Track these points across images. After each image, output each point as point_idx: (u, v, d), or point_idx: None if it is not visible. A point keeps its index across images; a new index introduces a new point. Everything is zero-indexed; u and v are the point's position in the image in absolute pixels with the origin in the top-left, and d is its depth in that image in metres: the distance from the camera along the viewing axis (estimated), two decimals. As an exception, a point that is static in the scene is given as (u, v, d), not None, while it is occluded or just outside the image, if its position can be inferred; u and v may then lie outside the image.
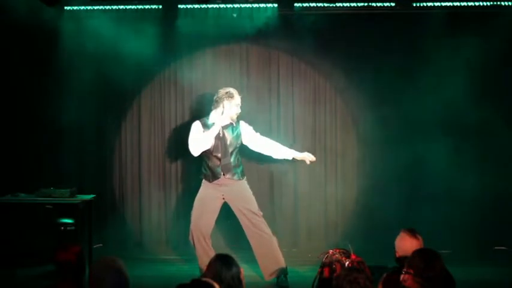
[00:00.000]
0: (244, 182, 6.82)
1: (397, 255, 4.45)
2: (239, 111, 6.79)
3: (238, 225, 8.09)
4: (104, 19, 7.85)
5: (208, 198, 6.74)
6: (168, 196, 8.10)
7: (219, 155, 6.69)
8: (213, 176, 6.72)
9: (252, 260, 7.10)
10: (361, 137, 8.02)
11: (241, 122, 6.92)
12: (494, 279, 6.62)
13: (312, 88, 8.08)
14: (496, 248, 7.88)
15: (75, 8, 7.93)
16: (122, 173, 8.17)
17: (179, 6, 7.89)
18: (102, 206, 8.00)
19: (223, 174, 6.69)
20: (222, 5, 7.86)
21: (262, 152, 7.02)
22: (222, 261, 3.96)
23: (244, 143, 6.90)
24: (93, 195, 7.46)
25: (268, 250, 6.72)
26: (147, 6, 7.92)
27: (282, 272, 6.76)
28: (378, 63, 7.82)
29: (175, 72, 8.11)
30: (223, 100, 6.70)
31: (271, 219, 8.06)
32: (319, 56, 7.98)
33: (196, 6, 7.87)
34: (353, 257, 4.22)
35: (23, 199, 7.19)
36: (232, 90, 6.77)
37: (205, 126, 6.71)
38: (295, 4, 7.83)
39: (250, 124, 8.06)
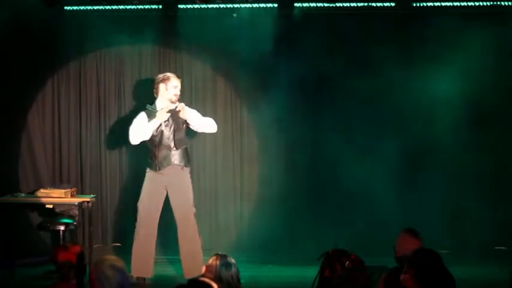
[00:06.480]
0: (188, 173, 6.77)
1: (397, 255, 4.43)
2: (177, 93, 6.72)
3: (237, 225, 8.13)
4: (103, 19, 7.85)
5: (154, 194, 6.73)
6: (168, 196, 8.07)
7: (171, 130, 6.65)
8: (165, 161, 6.64)
9: (251, 260, 7.11)
10: (361, 137, 7.99)
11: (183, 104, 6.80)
12: (494, 279, 6.61)
13: (312, 87, 8.08)
14: (496, 248, 7.88)
15: (75, 8, 7.92)
16: (121, 173, 8.16)
17: (179, 6, 7.90)
18: (102, 206, 8.00)
19: (176, 148, 6.63)
20: (222, 5, 7.86)
21: (198, 129, 6.89)
22: (221, 261, 3.97)
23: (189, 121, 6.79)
24: (93, 195, 7.46)
25: (188, 249, 6.65)
26: (147, 6, 7.91)
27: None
28: (377, 63, 7.81)
29: (175, 72, 8.08)
30: (159, 84, 6.70)
31: (270, 219, 8.08)
32: (318, 56, 7.96)
33: (196, 6, 7.87)
34: (353, 257, 4.21)
35: (23, 199, 7.19)
36: (169, 74, 6.78)
37: (150, 115, 6.65)
38: (295, 4, 7.83)
39: (248, 123, 8.07)
